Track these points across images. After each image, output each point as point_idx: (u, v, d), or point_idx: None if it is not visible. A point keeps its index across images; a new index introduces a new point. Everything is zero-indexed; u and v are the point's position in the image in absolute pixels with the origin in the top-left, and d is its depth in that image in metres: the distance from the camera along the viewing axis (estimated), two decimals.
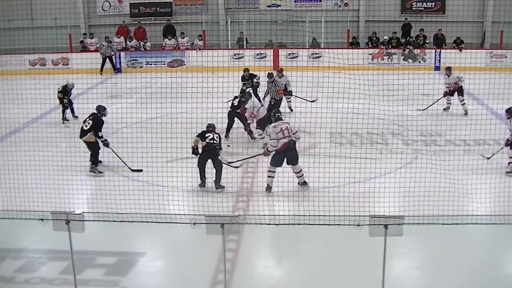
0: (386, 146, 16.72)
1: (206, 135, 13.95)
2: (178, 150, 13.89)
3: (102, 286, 9.99)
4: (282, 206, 12.84)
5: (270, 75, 19.90)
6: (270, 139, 13.58)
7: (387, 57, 30.97)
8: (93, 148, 15.20)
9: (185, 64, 31.48)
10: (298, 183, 13.61)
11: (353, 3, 33.63)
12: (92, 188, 13.55)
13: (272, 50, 31.58)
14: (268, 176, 13.51)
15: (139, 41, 32.99)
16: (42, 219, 8.02)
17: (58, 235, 8.11)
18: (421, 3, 33.18)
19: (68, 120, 20.47)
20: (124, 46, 32.86)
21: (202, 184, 13.98)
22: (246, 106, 17.18)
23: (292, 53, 31.25)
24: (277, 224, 9.01)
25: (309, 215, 9.39)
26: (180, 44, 32.71)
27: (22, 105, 16.66)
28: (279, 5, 33.29)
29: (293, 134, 13.54)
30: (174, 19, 34.10)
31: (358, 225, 8.11)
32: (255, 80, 21.36)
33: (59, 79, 21.28)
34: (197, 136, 13.99)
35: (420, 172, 12.47)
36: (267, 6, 33.55)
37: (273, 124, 13.75)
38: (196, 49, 31.78)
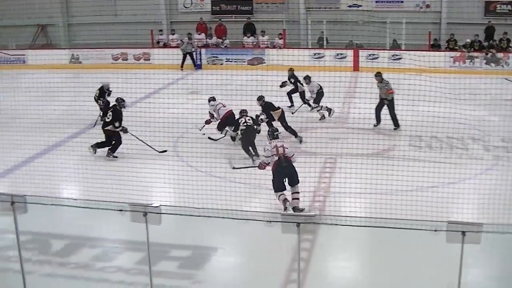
0: (466, 151, 16.38)
1: (240, 121, 15.89)
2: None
3: (176, 279, 10.12)
4: (358, 208, 12.72)
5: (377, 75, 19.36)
6: (264, 151, 13.01)
7: (469, 60, 30.37)
8: (109, 137, 16.20)
9: (265, 62, 31.58)
10: (293, 208, 12.45)
11: (435, 4, 33.11)
12: (171, 181, 13.70)
13: (352, 50, 31.37)
14: (282, 202, 12.60)
15: (219, 39, 33.24)
16: (120, 210, 8.14)
17: (135, 227, 8.24)
18: (505, 6, 32.40)
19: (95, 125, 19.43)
20: (204, 43, 33.16)
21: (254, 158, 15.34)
22: (211, 104, 17.59)
23: (373, 54, 30.98)
24: (352, 226, 8.94)
25: (385, 218, 9.29)
26: (260, 42, 32.81)
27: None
28: (360, 6, 32.99)
29: (290, 156, 12.71)
30: (254, 17, 34.23)
31: (435, 231, 7.98)
32: (301, 82, 21.01)
33: (141, 74, 21.66)
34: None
35: (501, 179, 12.23)
36: (348, 6, 33.37)
37: (268, 141, 13.17)
38: (276, 48, 31.87)
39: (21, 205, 7.95)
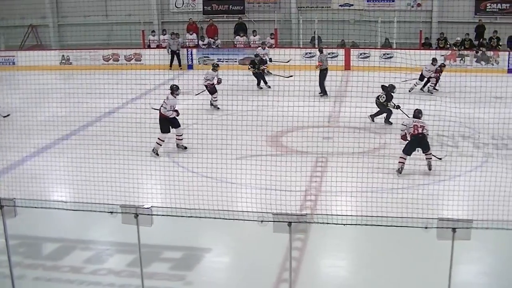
0: (456, 149, 16.46)
1: None
2: (247, 147, 13.96)
3: (168, 280, 10.13)
4: (350, 207, 12.76)
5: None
6: None
7: (460, 59, 30.40)
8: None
9: None
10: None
11: (426, 3, 33.14)
12: (161, 182, 13.70)
13: (344, 49, 31.38)
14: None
15: (211, 39, 33.21)
16: (111, 212, 8.12)
17: (126, 228, 8.24)
18: (495, 5, 32.41)
19: None
20: (196, 43, 33.16)
21: None
22: None
23: (364, 53, 31.00)
24: (344, 224, 8.96)
25: (377, 216, 9.31)
26: (252, 42, 32.79)
27: (95, 99, 16.96)
28: (352, 5, 33.04)
29: None
30: (246, 17, 34.22)
31: (426, 228, 8.01)
32: None
33: (132, 74, 21.63)
34: None
35: (490, 176, 12.24)
36: (340, 5, 33.35)
37: None
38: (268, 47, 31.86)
39: (10, 209, 7.91)
